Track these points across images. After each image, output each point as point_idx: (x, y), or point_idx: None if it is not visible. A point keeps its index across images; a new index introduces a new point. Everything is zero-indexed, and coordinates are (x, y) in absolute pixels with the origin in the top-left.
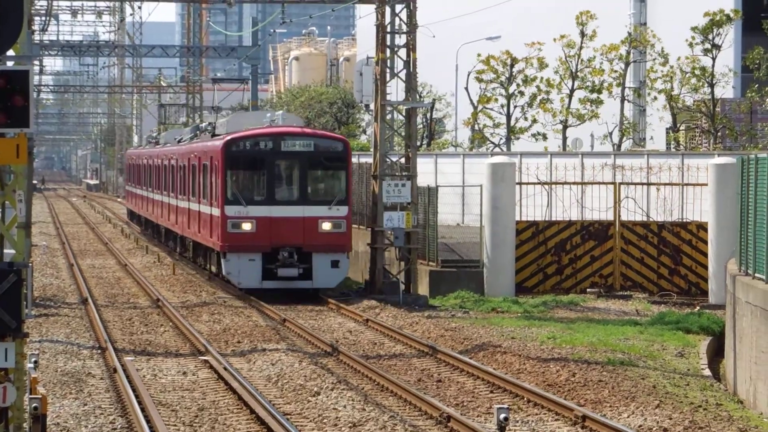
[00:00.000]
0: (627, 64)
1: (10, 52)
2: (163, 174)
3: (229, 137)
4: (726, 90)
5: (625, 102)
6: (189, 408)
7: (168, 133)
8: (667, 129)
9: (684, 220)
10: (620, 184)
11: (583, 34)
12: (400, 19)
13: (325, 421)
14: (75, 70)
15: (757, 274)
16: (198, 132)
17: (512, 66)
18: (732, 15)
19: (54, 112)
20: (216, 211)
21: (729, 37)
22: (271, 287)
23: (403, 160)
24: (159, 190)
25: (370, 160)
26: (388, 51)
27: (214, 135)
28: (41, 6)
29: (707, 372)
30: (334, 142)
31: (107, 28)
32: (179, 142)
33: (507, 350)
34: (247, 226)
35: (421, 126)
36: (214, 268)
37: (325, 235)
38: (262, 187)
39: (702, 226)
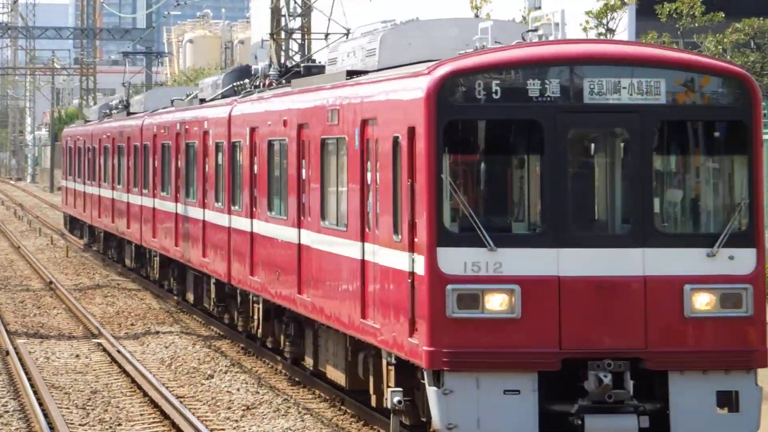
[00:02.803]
0: None
1: None
2: (162, 164)
3: (448, 69)
4: None
5: None
6: (82, 391)
7: (150, 94)
8: None
9: None
10: None
11: (477, 17)
12: (295, 2)
13: (218, 404)
14: None
15: None
16: (262, 76)
17: None
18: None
19: None
20: (403, 261)
21: (623, 21)
22: None
23: None
24: (145, 191)
25: None
26: (283, 34)
27: (351, 74)
28: None
29: None
30: (719, 79)
31: (0, 10)
32: (203, 101)
33: None
34: (498, 303)
35: None
36: (343, 380)
37: (700, 323)
38: (532, 199)
39: None
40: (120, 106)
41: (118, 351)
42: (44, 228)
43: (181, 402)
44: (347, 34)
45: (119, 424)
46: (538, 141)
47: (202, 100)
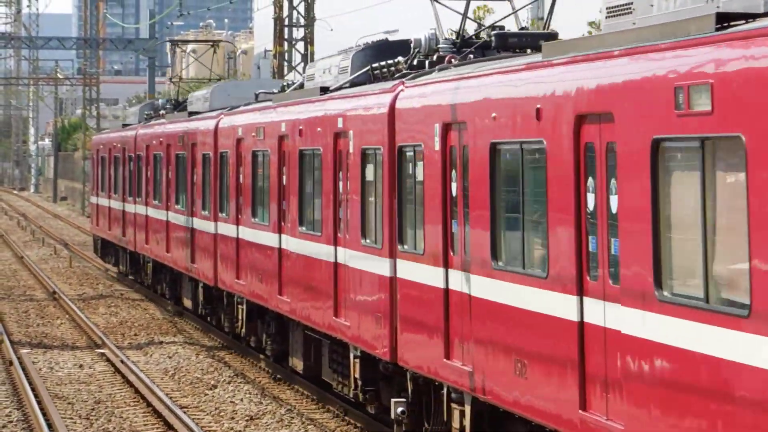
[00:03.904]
0: None
1: None
2: (253, 180)
3: None
4: None
5: None
6: (85, 401)
7: (218, 89)
8: None
9: None
10: None
11: (479, 27)
12: (298, 12)
13: (222, 414)
14: None
15: None
16: (426, 51)
17: None
18: None
19: None
20: None
21: None
22: None
23: None
24: (223, 215)
25: None
26: (285, 44)
27: (723, 21)
28: None
29: None
30: None
31: (3, 20)
32: (326, 91)
33: None
34: None
35: None
36: None
37: None
38: None
39: None
40: (168, 106)
41: (122, 361)
42: (47, 238)
43: (184, 412)
44: None
45: None
46: None
47: (325, 90)
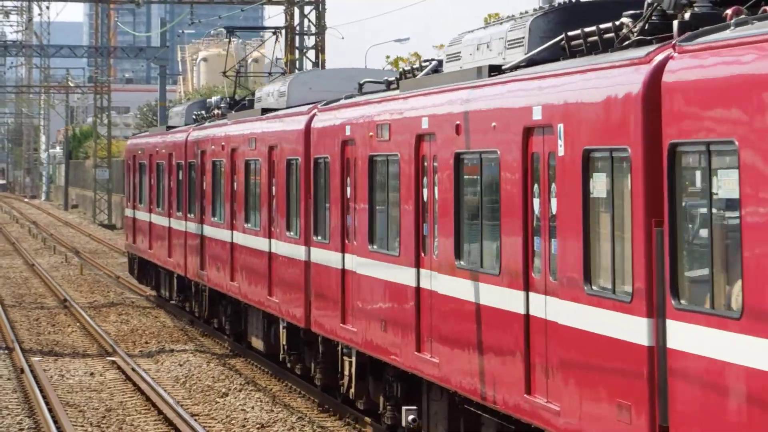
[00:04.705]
0: None
1: None
2: (370, 197)
3: None
4: None
5: None
6: (96, 409)
7: (296, 81)
8: None
9: None
10: None
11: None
12: (309, 21)
13: (233, 422)
14: None
15: None
16: None
17: None
18: None
19: None
20: None
21: None
22: None
23: None
24: (318, 238)
25: None
26: (297, 52)
27: None
28: None
29: None
30: None
31: (15, 28)
32: (495, 71)
33: None
34: None
35: None
36: None
37: None
38: None
39: None
40: (224, 105)
41: (133, 369)
42: (58, 246)
43: (195, 420)
44: None
45: None
46: None
47: (496, 69)
